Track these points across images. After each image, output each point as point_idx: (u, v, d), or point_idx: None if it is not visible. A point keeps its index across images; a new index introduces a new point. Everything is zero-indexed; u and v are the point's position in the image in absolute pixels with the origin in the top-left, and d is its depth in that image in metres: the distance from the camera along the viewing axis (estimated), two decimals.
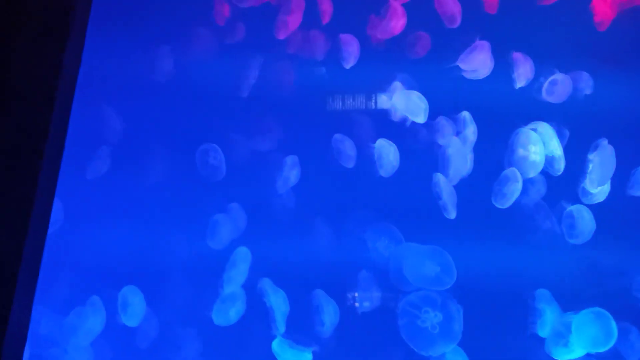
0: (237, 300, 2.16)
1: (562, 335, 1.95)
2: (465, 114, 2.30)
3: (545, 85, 2.29)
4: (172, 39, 2.58)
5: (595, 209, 2.14)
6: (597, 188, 2.10)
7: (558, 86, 2.29)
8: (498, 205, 2.17)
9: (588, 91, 2.29)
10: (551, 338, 1.97)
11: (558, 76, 2.29)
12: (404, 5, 2.49)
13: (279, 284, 2.16)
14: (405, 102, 2.36)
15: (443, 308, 1.96)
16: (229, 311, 2.14)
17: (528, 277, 2.09)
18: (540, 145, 2.18)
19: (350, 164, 2.36)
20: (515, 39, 2.41)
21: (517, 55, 2.36)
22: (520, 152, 2.19)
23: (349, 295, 2.20)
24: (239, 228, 2.30)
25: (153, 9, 2.61)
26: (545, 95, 2.30)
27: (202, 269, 2.24)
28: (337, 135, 2.38)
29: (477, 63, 2.35)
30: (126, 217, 2.34)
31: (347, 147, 2.37)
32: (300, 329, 2.10)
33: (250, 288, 2.16)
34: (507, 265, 2.13)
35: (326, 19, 2.54)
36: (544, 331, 1.99)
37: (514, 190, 2.16)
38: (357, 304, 2.20)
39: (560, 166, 2.17)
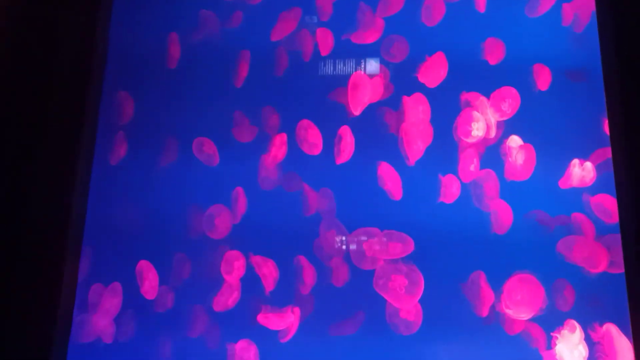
0: (234, 291, 2.54)
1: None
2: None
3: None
4: (181, 25, 2.85)
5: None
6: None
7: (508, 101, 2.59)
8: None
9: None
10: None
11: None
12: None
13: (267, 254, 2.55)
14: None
15: (407, 274, 2.40)
16: (227, 300, 2.52)
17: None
18: (482, 121, 2.55)
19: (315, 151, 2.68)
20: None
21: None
22: (464, 129, 2.56)
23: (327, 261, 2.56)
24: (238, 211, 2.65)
25: None
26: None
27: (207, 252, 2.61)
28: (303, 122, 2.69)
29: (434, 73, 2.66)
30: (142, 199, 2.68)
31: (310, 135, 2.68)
32: (284, 291, 2.50)
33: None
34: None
35: (325, 18, 2.81)
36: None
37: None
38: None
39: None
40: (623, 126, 2.10)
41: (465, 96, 2.60)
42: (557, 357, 2.21)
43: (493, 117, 2.55)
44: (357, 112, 2.65)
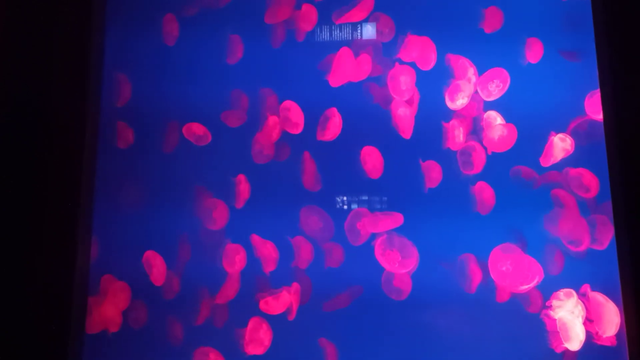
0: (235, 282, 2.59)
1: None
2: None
3: None
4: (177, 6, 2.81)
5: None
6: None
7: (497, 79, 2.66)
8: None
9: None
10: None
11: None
12: None
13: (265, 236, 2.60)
14: None
15: (400, 248, 2.48)
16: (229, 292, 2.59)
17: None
18: (468, 91, 2.62)
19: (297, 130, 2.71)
20: None
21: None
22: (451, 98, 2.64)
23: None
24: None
25: None
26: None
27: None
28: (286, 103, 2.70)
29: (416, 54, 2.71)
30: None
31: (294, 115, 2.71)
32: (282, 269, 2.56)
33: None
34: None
35: None
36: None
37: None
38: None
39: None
40: (615, 105, 2.19)
41: (452, 65, 2.64)
42: (558, 321, 2.32)
43: (480, 94, 2.61)
44: (343, 87, 2.68)
